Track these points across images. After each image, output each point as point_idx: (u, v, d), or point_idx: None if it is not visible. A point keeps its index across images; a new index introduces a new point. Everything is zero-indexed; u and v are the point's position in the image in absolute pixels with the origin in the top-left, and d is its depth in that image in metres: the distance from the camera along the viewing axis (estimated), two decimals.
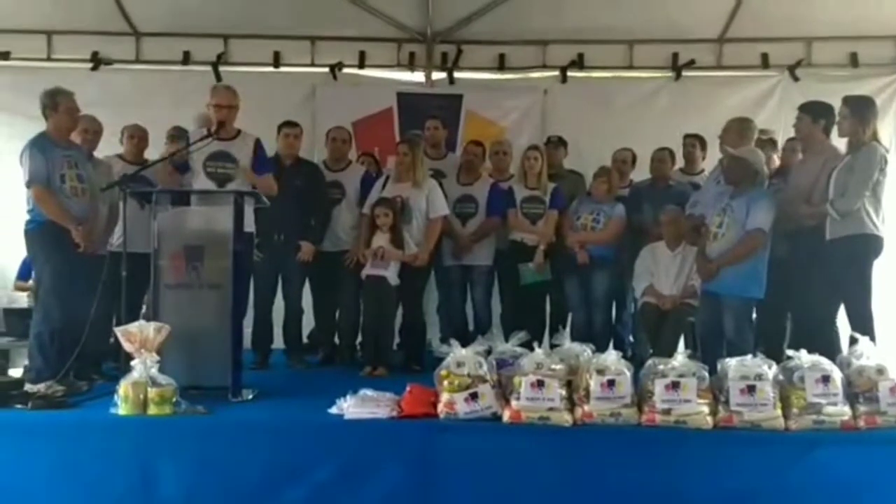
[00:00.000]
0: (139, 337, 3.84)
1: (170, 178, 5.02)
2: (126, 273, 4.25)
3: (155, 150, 5.53)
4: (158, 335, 3.88)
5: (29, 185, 4.50)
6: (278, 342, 5.65)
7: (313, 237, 5.53)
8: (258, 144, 5.00)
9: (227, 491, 3.59)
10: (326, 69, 6.93)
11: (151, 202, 4.44)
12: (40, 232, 4.54)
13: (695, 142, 5.99)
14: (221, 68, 6.78)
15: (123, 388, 3.74)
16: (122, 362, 4.02)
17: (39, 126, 4.71)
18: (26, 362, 4.74)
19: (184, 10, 6.65)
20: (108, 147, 5.39)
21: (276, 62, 6.92)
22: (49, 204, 4.48)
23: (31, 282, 5.86)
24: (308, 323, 5.92)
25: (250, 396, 4.23)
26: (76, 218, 4.54)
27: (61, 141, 4.64)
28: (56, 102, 4.59)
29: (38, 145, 4.53)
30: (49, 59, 6.80)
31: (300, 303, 5.68)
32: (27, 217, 4.60)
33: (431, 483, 3.60)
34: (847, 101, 4.67)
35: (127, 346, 3.87)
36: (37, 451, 3.63)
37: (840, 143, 4.79)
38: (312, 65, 6.98)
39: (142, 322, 3.97)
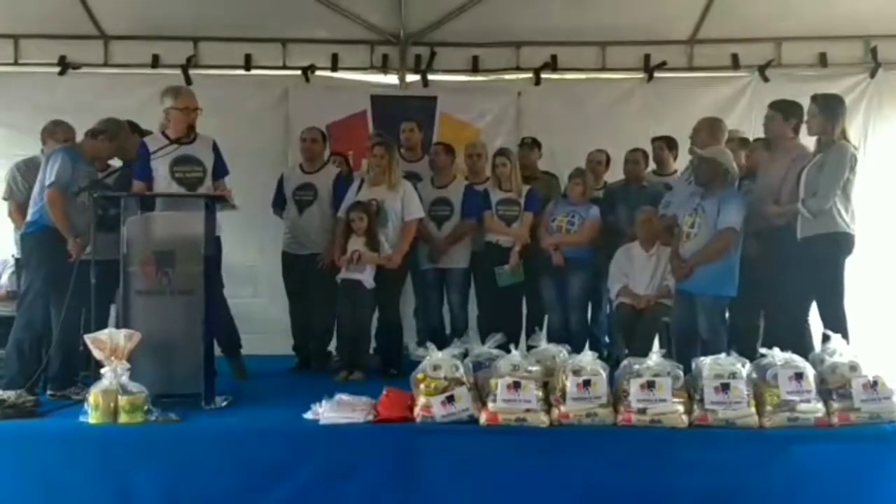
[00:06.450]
0: (109, 344, 3.78)
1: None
2: (95, 281, 4.20)
3: None
4: (129, 342, 3.82)
5: (50, 186, 4.52)
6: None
7: None
8: (216, 146, 4.91)
9: (202, 500, 3.54)
10: (299, 72, 6.86)
11: (120, 208, 4.37)
12: (39, 237, 4.58)
13: (663, 144, 6.00)
14: (192, 71, 6.67)
15: (93, 396, 3.70)
16: (91, 370, 3.95)
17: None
18: None
19: (152, 12, 6.54)
20: None
21: (248, 65, 6.82)
22: (59, 210, 4.52)
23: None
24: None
25: (224, 403, 4.18)
26: (78, 231, 4.55)
27: (88, 159, 4.74)
28: (116, 134, 4.81)
29: (70, 154, 4.62)
30: (16, 63, 6.66)
31: None
32: (28, 219, 4.66)
33: (409, 487, 3.59)
34: (816, 99, 4.70)
35: (97, 354, 3.82)
36: (5, 461, 3.57)
37: (808, 141, 4.83)
38: (284, 67, 6.88)
39: (111, 329, 3.92)
